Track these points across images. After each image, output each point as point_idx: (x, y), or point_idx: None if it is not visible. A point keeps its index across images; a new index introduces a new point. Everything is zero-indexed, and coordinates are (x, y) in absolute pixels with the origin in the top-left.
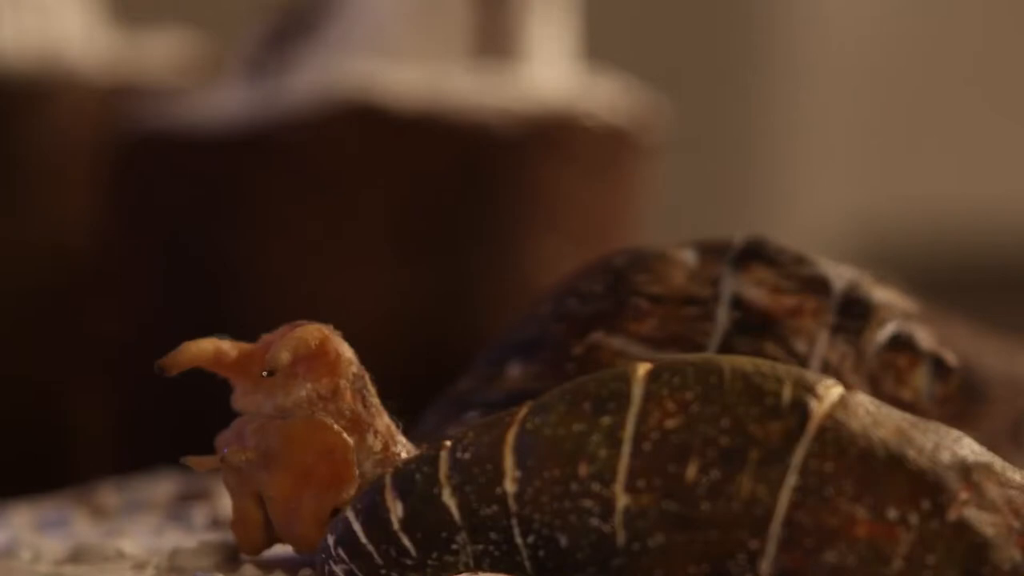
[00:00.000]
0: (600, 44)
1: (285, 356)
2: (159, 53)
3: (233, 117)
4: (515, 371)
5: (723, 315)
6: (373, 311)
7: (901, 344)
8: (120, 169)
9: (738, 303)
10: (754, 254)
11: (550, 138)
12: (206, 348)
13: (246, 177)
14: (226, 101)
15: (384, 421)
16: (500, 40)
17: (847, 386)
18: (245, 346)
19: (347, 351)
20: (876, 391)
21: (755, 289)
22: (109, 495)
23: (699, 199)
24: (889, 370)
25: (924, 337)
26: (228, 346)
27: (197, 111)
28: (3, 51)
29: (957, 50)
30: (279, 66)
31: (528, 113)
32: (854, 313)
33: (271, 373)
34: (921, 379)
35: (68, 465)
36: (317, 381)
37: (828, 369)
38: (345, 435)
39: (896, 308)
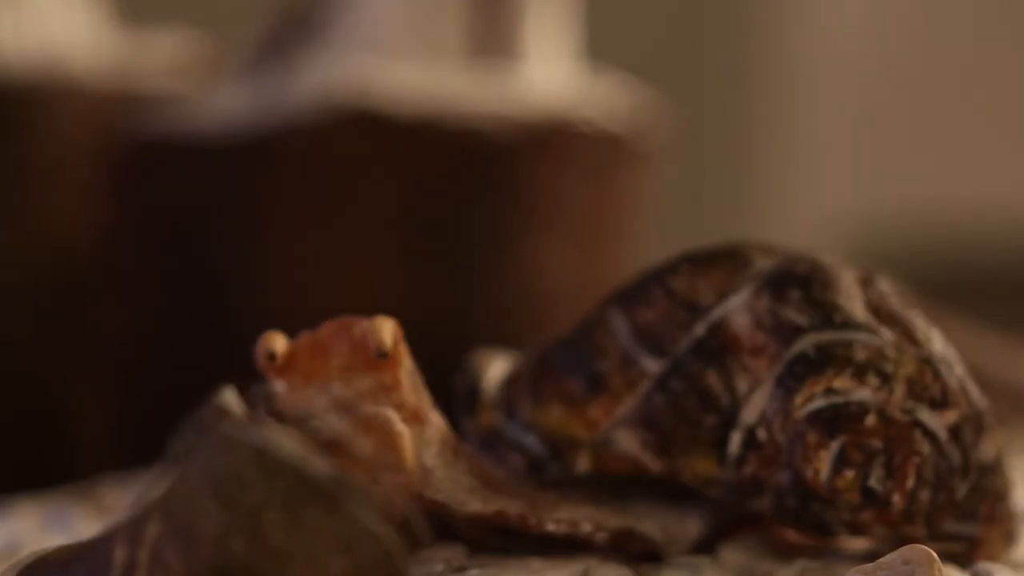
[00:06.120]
0: (600, 44)
1: (388, 338)
2: (160, 57)
3: (233, 120)
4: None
5: (698, 331)
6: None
7: (819, 421)
8: (121, 173)
9: (719, 324)
10: (801, 282)
11: (548, 141)
12: (281, 343)
13: (246, 180)
14: (226, 104)
15: (436, 415)
16: (499, 43)
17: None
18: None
19: (403, 345)
20: (790, 458)
21: (746, 316)
22: (112, 492)
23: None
24: (798, 442)
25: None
26: (280, 344)
27: (198, 115)
28: (4, 55)
29: (955, 51)
30: (279, 69)
31: (526, 117)
32: (795, 372)
33: (384, 355)
34: (824, 464)
35: (71, 463)
36: (381, 372)
37: (763, 420)
38: (404, 428)
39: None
